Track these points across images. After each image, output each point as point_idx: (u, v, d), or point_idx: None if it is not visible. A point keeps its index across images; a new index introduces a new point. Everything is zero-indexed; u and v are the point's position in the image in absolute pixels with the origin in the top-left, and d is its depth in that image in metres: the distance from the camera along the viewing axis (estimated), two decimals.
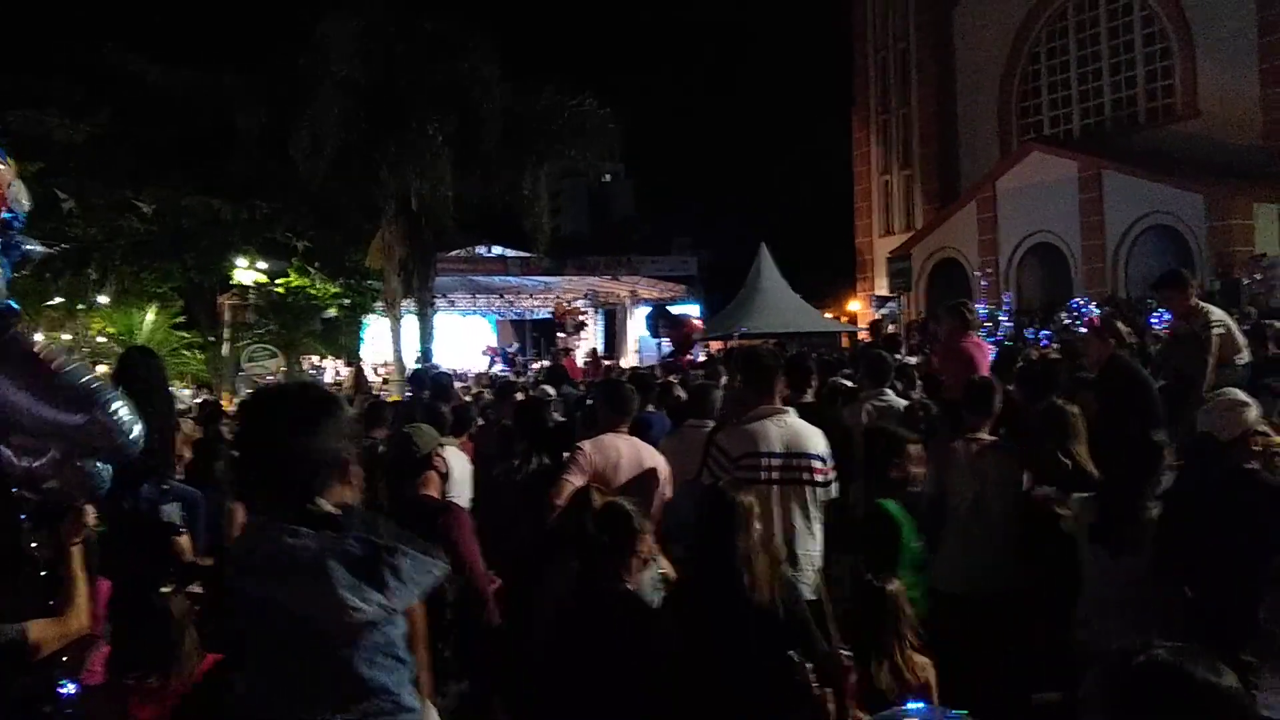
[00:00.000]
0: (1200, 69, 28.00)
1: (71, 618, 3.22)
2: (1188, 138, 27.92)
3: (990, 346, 8.68)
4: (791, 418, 4.94)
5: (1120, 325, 7.04)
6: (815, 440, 4.90)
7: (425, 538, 3.22)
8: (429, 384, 10.80)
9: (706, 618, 3.54)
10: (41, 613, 3.20)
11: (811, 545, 4.72)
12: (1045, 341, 15.94)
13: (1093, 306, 20.85)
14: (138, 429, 3.10)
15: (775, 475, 4.72)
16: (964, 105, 35.55)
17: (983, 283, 29.60)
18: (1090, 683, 1.47)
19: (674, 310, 29.45)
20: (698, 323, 26.54)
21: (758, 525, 3.67)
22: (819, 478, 4.80)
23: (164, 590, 3.62)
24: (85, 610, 3.25)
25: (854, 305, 38.34)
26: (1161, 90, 29.54)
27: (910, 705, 3.17)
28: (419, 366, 19.93)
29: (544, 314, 36.50)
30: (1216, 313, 7.43)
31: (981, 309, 23.09)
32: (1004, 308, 25.68)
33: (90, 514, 3.30)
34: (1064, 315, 22.49)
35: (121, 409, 3.03)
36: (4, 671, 3.16)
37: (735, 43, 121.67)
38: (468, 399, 12.94)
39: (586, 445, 5.30)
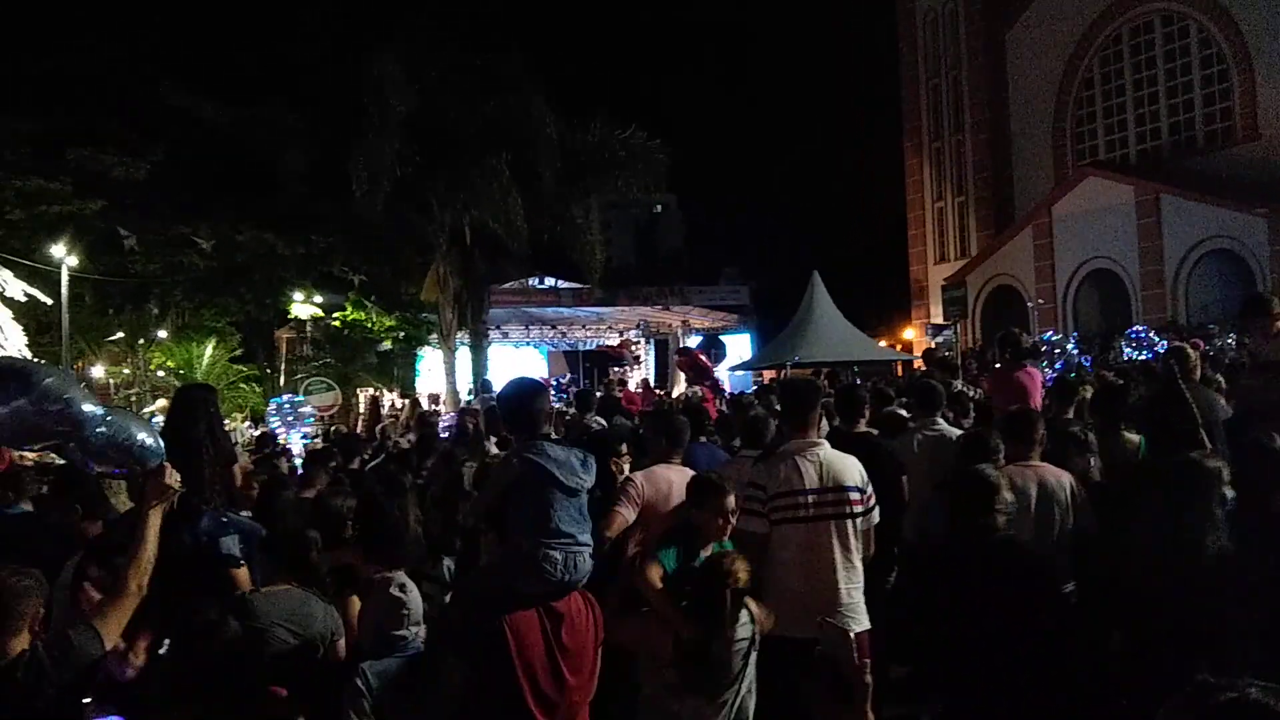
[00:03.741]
0: (1260, 90, 27.60)
1: (131, 577, 3.20)
2: (1248, 161, 27.49)
3: (1039, 374, 8.48)
4: (826, 450, 4.88)
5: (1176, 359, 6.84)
6: (851, 471, 4.85)
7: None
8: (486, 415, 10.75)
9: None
10: None
11: (854, 576, 4.71)
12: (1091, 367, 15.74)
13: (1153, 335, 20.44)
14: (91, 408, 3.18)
15: (812, 512, 4.70)
16: (1017, 131, 35.29)
17: (1044, 307, 29.18)
18: (1166, 714, 1.41)
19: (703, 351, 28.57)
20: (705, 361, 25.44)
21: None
22: (857, 509, 4.76)
23: (210, 611, 3.51)
24: (145, 571, 3.24)
25: (909, 333, 38.05)
26: (1220, 113, 29.15)
27: None
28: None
29: (595, 344, 36.62)
30: None
31: (1048, 336, 22.75)
32: (1046, 336, 24.91)
33: (172, 475, 3.41)
34: (1123, 343, 22.12)
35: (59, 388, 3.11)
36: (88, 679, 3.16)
37: (784, 71, 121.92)
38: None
39: (638, 477, 5.26)
